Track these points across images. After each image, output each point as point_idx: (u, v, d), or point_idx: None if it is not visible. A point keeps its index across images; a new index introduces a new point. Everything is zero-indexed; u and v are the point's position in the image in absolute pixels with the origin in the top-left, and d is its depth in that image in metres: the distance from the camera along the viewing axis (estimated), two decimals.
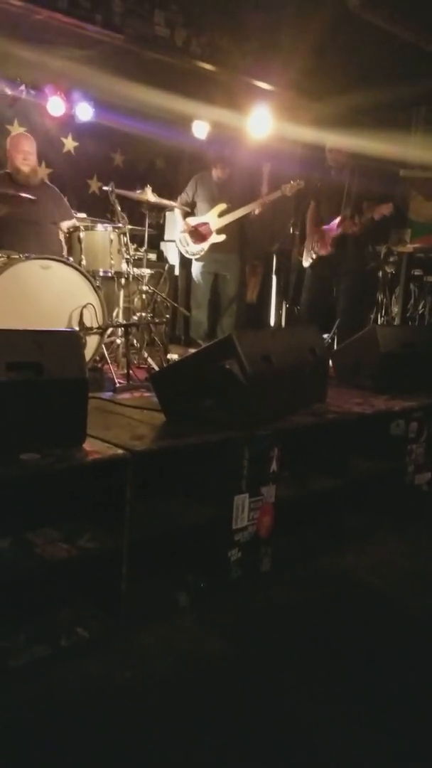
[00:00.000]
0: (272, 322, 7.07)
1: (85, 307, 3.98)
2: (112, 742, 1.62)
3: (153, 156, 7.15)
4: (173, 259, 6.72)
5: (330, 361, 3.33)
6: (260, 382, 2.38)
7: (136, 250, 4.79)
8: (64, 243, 4.64)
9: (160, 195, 5.02)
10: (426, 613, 2.35)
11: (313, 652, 2.06)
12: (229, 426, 2.34)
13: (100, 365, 4.40)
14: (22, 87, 5.78)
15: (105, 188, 4.69)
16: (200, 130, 6.56)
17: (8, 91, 5.77)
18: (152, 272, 5.13)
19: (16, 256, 3.88)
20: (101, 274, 4.43)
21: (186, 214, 5.55)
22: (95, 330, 4.06)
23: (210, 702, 1.80)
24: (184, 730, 1.68)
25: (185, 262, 6.21)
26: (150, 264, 5.51)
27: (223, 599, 2.29)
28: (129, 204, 4.93)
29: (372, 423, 3.02)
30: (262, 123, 6.12)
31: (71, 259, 4.33)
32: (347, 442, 3.01)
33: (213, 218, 5.42)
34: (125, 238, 4.56)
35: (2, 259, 3.90)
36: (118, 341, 4.64)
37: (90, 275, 4.12)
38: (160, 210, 6.33)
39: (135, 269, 4.63)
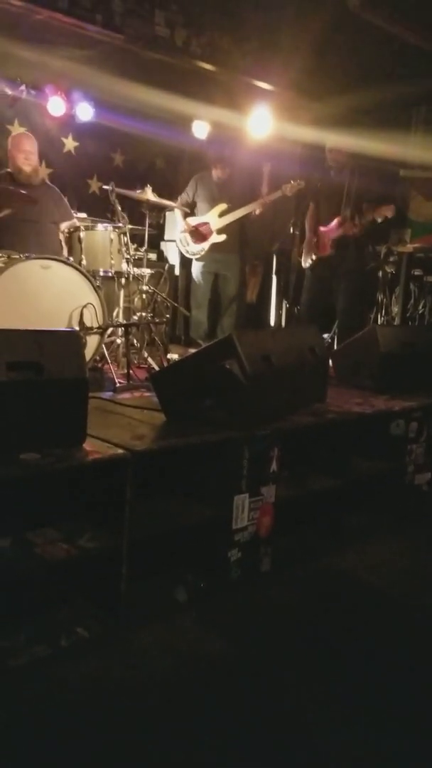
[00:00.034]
0: (272, 322, 7.07)
1: (85, 306, 3.98)
2: (112, 742, 1.62)
3: (153, 156, 7.15)
4: (173, 259, 6.72)
5: (330, 361, 3.33)
6: (260, 382, 2.38)
7: (136, 249, 4.79)
8: (63, 243, 4.64)
9: (160, 195, 5.02)
10: (426, 613, 2.35)
11: (313, 652, 2.06)
12: (229, 426, 2.34)
13: (100, 365, 4.41)
14: (23, 87, 5.78)
15: (105, 187, 4.70)
16: (200, 130, 6.56)
17: (8, 91, 5.77)
18: (152, 272, 5.13)
19: (16, 256, 3.88)
20: (101, 273, 4.44)
21: (186, 215, 5.55)
22: (95, 330, 4.06)
23: (210, 702, 1.80)
24: (184, 730, 1.68)
25: (185, 262, 6.21)
26: (150, 264, 5.50)
27: (223, 599, 2.29)
28: (129, 204, 4.93)
29: (372, 423, 3.02)
30: (262, 123, 6.13)
31: (71, 258, 4.33)
32: (347, 442, 3.01)
33: (213, 218, 5.42)
34: (125, 238, 4.56)
35: (2, 258, 3.90)
36: (119, 341, 4.65)
37: (90, 275, 4.12)
38: (160, 210, 6.33)
39: (135, 269, 4.63)
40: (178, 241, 5.67)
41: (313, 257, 5.13)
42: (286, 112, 6.11)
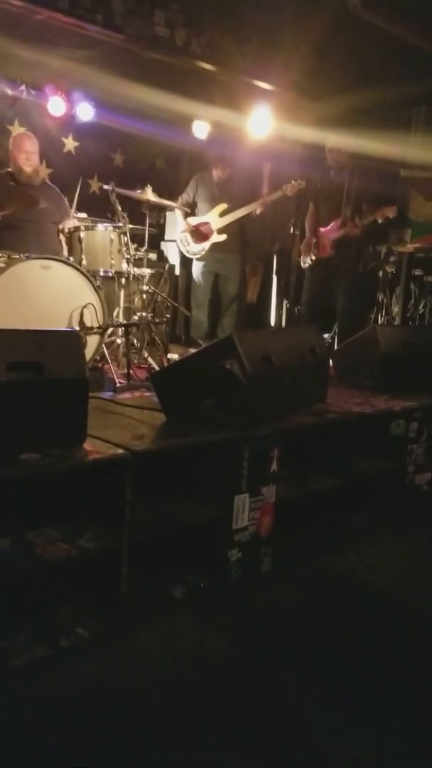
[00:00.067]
0: (272, 322, 7.07)
1: (85, 306, 3.98)
2: (112, 742, 1.62)
3: (153, 156, 7.15)
4: (174, 259, 6.72)
5: (330, 361, 3.33)
6: (260, 382, 2.38)
7: (136, 249, 4.79)
8: (63, 243, 4.64)
9: (161, 195, 5.02)
10: (426, 613, 2.35)
11: (313, 652, 2.06)
12: (229, 426, 2.34)
13: (100, 365, 4.41)
14: (23, 87, 5.78)
15: (105, 187, 4.70)
16: (200, 130, 6.55)
17: (9, 91, 5.77)
18: (153, 272, 5.13)
19: (17, 256, 3.88)
20: (101, 273, 4.44)
21: (186, 215, 5.55)
22: (95, 330, 4.06)
23: (210, 702, 1.80)
24: (184, 730, 1.68)
25: (186, 262, 6.21)
26: (150, 264, 5.50)
27: (223, 599, 2.29)
28: (129, 204, 4.93)
29: (372, 423, 3.02)
30: (263, 123, 6.13)
31: (71, 258, 4.33)
32: (347, 442, 3.01)
33: (214, 218, 5.42)
34: (126, 238, 4.56)
35: (2, 258, 3.90)
36: (119, 341, 4.65)
37: (90, 275, 4.12)
38: (160, 210, 6.33)
39: (135, 269, 4.63)
40: (179, 241, 5.67)
41: (312, 258, 5.13)
42: (287, 112, 6.11)
